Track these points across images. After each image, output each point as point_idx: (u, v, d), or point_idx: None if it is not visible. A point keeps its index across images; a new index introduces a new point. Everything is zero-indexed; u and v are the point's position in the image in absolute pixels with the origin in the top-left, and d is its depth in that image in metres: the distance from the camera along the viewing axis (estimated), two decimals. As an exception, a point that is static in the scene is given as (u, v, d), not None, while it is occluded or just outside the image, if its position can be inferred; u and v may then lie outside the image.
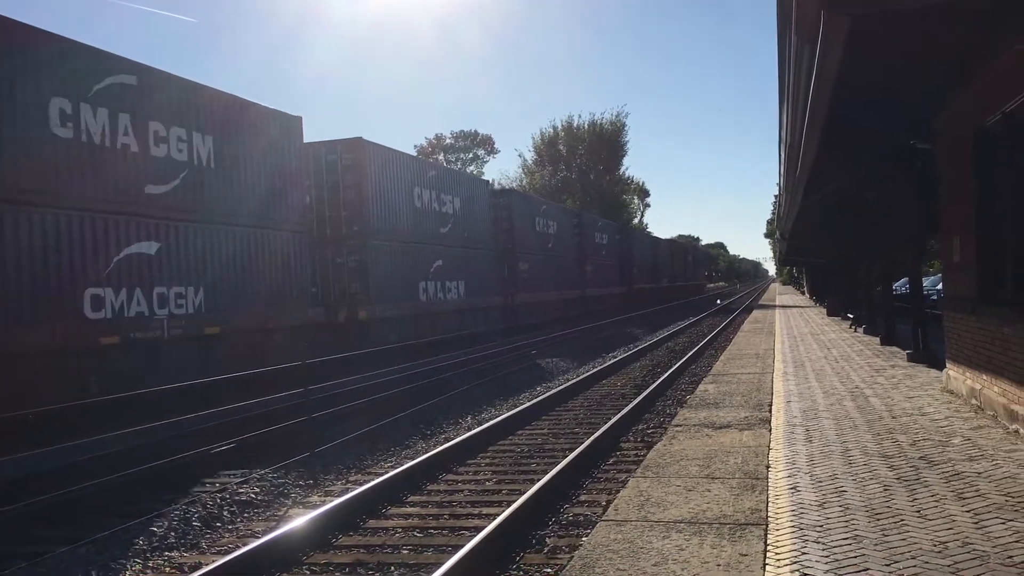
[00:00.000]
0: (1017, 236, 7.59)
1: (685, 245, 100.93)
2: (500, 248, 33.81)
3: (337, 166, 22.14)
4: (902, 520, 5.12)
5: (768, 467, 6.76)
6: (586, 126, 76.17)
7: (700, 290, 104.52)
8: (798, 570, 4.36)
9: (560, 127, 76.35)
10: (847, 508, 5.44)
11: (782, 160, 13.52)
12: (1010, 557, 4.39)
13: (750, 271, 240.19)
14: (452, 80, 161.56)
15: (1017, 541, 4.64)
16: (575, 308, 43.73)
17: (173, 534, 7.35)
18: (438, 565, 5.68)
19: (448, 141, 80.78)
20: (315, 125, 76.16)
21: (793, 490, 5.98)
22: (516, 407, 13.52)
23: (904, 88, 8.72)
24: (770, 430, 8.42)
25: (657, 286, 68.84)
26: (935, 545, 4.64)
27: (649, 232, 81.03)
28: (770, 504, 5.65)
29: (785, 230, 25.59)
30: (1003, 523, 4.97)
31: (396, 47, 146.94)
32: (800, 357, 15.95)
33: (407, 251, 24.77)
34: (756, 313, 39.10)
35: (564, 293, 42.28)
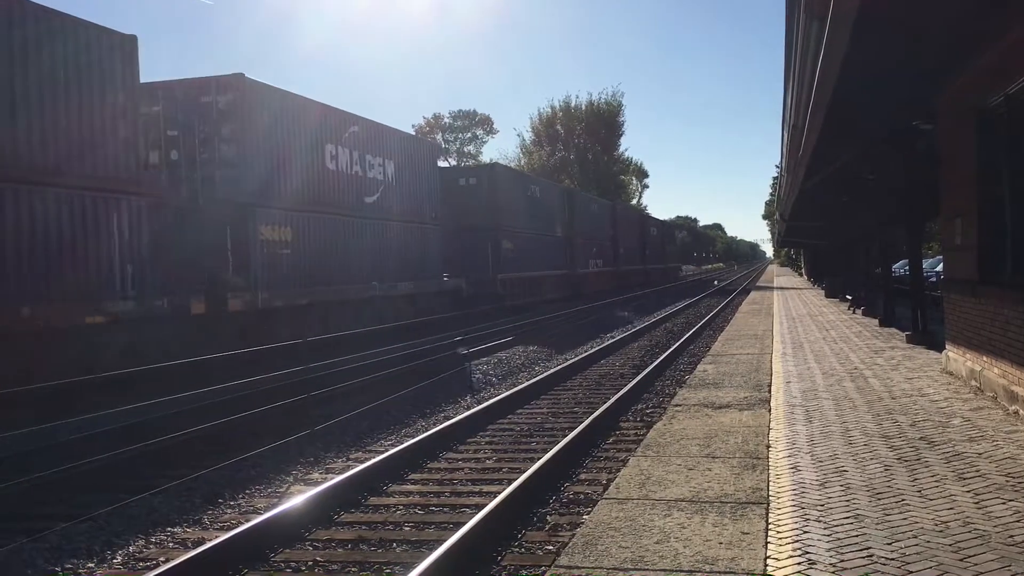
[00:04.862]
0: (1018, 218, 7.58)
1: (646, 215, 70.91)
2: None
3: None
4: (903, 500, 5.14)
5: (768, 447, 6.78)
6: (584, 106, 75.68)
7: (668, 277, 74.27)
8: (800, 548, 4.38)
9: (558, 107, 75.90)
10: (848, 488, 5.46)
11: (784, 141, 13.46)
12: (1011, 536, 4.41)
13: (747, 252, 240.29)
14: (448, 58, 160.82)
15: (1018, 521, 4.66)
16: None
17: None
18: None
19: (446, 121, 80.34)
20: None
21: (794, 469, 6.00)
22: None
23: (908, 68, 8.66)
24: (770, 410, 8.44)
25: (578, 271, 42.95)
26: (936, 524, 4.66)
27: (554, 183, 48.54)
28: (771, 483, 5.67)
29: (785, 211, 25.55)
30: (1003, 503, 5.00)
31: (392, 21, 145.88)
32: (799, 338, 15.98)
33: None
34: (754, 295, 39.14)
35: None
